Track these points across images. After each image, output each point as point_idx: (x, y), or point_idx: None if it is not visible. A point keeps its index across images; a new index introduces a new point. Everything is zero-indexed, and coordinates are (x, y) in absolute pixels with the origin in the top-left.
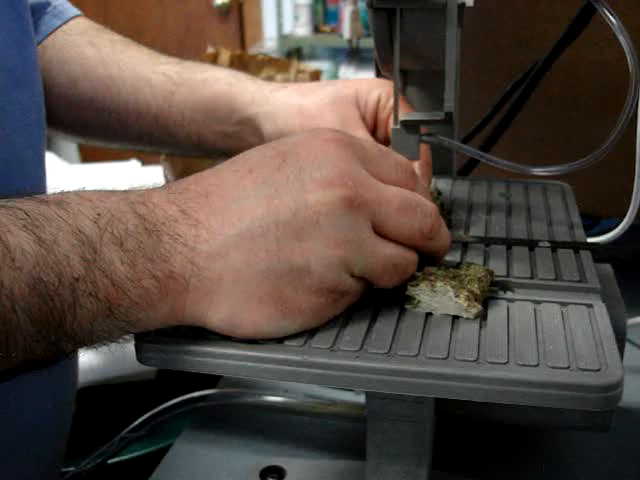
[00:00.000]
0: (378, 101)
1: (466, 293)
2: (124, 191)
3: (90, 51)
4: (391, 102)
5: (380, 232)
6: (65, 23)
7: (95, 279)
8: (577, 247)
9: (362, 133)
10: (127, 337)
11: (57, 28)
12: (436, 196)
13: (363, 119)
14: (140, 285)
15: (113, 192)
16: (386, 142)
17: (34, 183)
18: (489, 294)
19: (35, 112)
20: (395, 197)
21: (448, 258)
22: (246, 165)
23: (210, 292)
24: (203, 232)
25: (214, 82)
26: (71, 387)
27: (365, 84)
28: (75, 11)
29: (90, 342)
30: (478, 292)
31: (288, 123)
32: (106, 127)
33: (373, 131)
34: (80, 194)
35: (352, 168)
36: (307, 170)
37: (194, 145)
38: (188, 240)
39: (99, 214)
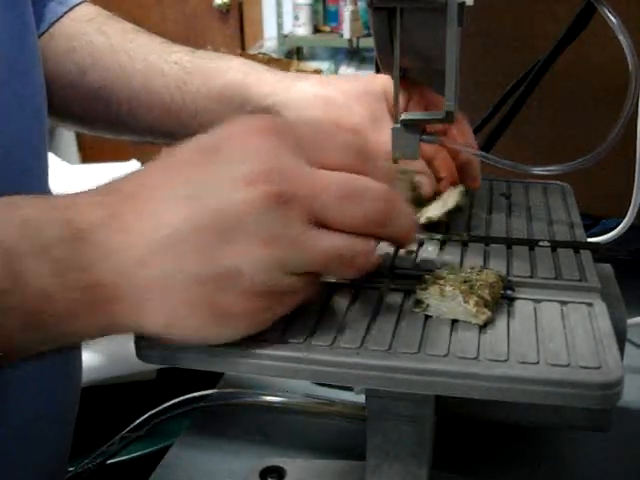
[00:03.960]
0: (408, 100)
1: (476, 299)
2: (56, 196)
3: (99, 39)
4: (426, 96)
5: (322, 223)
6: (71, 10)
7: (21, 291)
8: (577, 247)
9: (390, 128)
10: (130, 336)
11: (63, 15)
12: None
13: (390, 112)
14: (67, 296)
15: (46, 198)
16: None
17: (32, 178)
18: (500, 300)
19: (34, 104)
20: (334, 184)
21: (447, 258)
22: (172, 162)
23: (140, 300)
24: (129, 237)
25: (227, 70)
26: (74, 388)
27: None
28: None
29: (22, 354)
30: (489, 298)
31: (314, 113)
32: (116, 118)
33: None
34: (8, 201)
35: (279, 160)
36: (230, 166)
37: None
38: (114, 246)
39: (25, 221)
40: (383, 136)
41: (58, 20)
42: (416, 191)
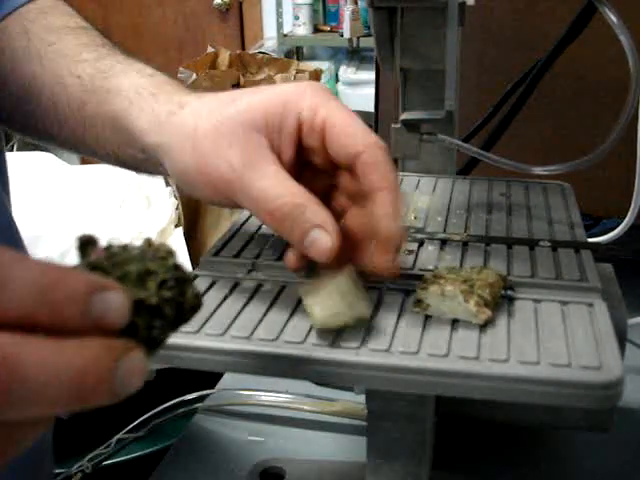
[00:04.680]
0: (299, 123)
1: (476, 298)
2: None
3: (20, 43)
4: (319, 118)
5: None
6: (21, 6)
7: None
8: (578, 246)
9: (271, 169)
10: None
11: (14, 10)
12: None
13: (277, 148)
14: None
15: None
16: (327, 168)
17: None
18: (500, 300)
19: None
20: None
21: (447, 257)
22: None
23: None
24: None
25: (117, 95)
26: None
27: (280, 100)
28: None
29: None
30: (489, 298)
31: (185, 162)
32: (38, 131)
33: (299, 158)
34: None
35: None
36: None
37: (121, 165)
38: None
39: None
40: (260, 182)
41: (10, 14)
42: (185, 284)
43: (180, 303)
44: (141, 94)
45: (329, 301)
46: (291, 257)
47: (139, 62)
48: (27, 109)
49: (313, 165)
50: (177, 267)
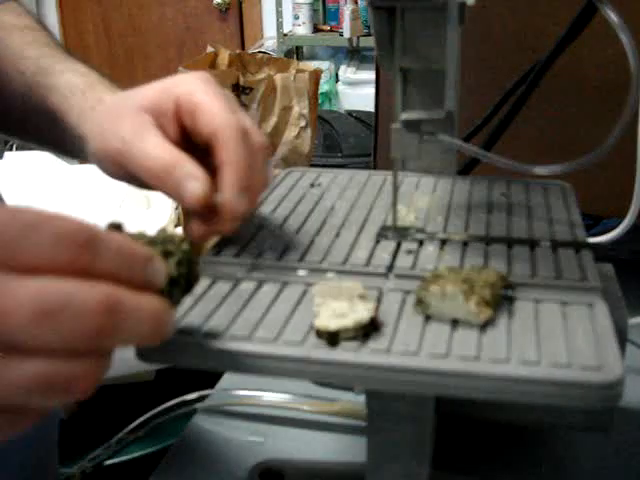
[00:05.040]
0: (176, 106)
1: (476, 298)
2: None
3: None
4: (192, 102)
5: (15, 349)
6: None
7: None
8: (578, 246)
9: (153, 137)
10: None
11: None
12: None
13: (162, 126)
14: None
15: None
16: (203, 147)
17: None
18: (500, 300)
19: None
20: (26, 302)
21: (447, 257)
22: None
23: None
24: None
25: (54, 92)
26: None
27: (165, 86)
28: None
29: None
30: (489, 298)
31: (96, 147)
32: None
33: (185, 139)
34: None
35: None
36: None
37: (62, 154)
38: None
39: None
40: (144, 147)
41: None
42: (192, 264)
43: (189, 277)
44: (73, 92)
45: (337, 304)
46: (191, 226)
47: (77, 62)
48: None
49: (197, 146)
50: (188, 251)
